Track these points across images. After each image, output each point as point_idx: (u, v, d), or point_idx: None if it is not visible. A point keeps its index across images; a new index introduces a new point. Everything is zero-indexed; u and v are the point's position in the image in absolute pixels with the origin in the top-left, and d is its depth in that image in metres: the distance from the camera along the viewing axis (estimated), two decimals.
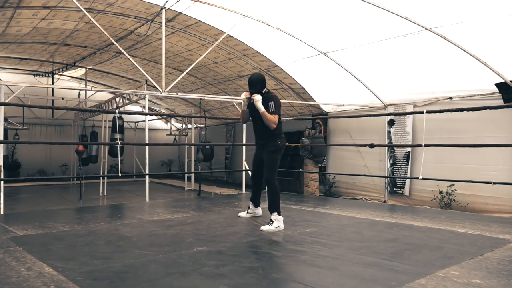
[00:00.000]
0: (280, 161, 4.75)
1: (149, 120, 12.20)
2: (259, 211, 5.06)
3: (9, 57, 12.87)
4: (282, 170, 11.16)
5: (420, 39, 7.22)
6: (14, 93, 8.56)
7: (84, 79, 14.63)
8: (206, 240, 3.77)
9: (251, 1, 7.66)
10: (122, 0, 8.11)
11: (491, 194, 7.40)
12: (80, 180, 10.94)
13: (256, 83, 4.64)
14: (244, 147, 9.13)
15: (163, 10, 7.91)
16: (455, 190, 7.91)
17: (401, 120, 9.19)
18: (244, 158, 8.92)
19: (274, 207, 4.43)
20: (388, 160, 9.39)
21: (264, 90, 4.68)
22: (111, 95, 12.89)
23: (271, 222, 4.35)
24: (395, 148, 9.22)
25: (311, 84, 10.57)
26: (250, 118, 4.87)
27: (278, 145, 4.63)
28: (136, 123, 17.91)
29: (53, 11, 8.51)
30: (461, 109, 5.61)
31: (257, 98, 4.51)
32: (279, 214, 4.42)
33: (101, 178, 11.80)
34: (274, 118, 4.50)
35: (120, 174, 6.52)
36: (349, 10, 7.23)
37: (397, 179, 9.08)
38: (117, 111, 8.52)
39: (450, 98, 8.08)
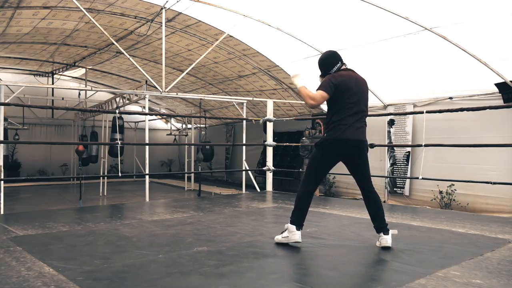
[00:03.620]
0: (321, 161, 3.75)
1: (149, 120, 12.21)
2: (382, 239, 3.52)
3: (9, 57, 12.87)
4: (282, 170, 11.23)
5: (420, 39, 7.22)
6: (14, 93, 8.56)
7: (84, 79, 14.64)
8: (206, 240, 3.77)
9: (251, 1, 7.66)
10: (122, 0, 8.11)
11: (491, 194, 7.40)
12: (80, 180, 10.95)
13: (319, 67, 3.80)
14: (244, 147, 9.13)
15: (163, 10, 7.91)
16: (455, 190, 7.90)
17: (401, 120, 9.19)
18: (244, 158, 8.92)
19: (291, 215, 3.69)
20: (388, 160, 9.39)
21: (332, 70, 3.67)
22: (111, 95, 12.89)
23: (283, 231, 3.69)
24: (395, 148, 9.22)
25: (311, 84, 10.56)
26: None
27: (322, 138, 3.68)
28: (136, 123, 17.92)
29: (53, 11, 8.51)
30: (461, 109, 5.61)
31: (292, 73, 3.80)
32: (292, 223, 3.60)
33: (101, 178, 11.80)
34: (309, 92, 3.57)
35: (120, 174, 6.52)
36: (349, 10, 7.23)
37: (397, 179, 9.08)
38: (117, 111, 8.53)
39: (450, 98, 8.08)
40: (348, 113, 3.55)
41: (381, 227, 3.58)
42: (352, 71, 3.72)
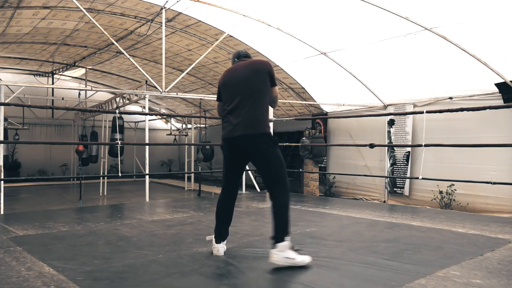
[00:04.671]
0: (224, 163, 3.32)
1: (149, 120, 12.20)
2: (270, 253, 2.99)
3: (9, 57, 12.87)
4: None
5: (420, 39, 7.22)
6: (14, 93, 8.57)
7: (84, 79, 14.63)
8: (206, 240, 3.77)
9: (251, 1, 7.66)
10: (122, 0, 8.11)
11: (491, 194, 7.40)
12: (80, 180, 10.94)
13: None
14: None
15: (163, 10, 7.91)
16: (455, 190, 7.90)
17: (401, 120, 9.19)
18: None
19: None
20: (388, 160, 9.39)
21: None
22: (111, 95, 12.89)
23: None
24: (395, 148, 9.22)
25: (311, 84, 10.58)
26: None
27: None
28: (136, 123, 17.92)
29: (53, 11, 8.51)
30: (461, 109, 5.60)
31: None
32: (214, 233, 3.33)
33: (101, 178, 11.80)
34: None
35: (120, 174, 6.52)
36: (349, 10, 7.23)
37: (397, 179, 9.08)
38: (117, 111, 8.53)
39: (450, 98, 8.08)
40: (227, 110, 3.23)
41: (273, 238, 2.96)
42: (244, 60, 3.36)
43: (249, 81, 3.16)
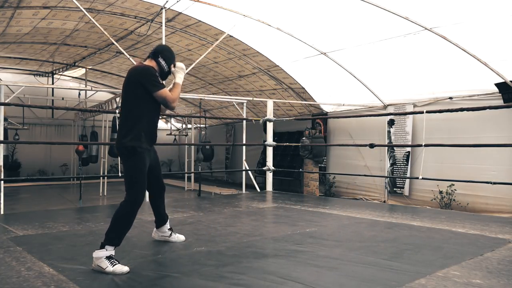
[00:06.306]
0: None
1: None
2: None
3: (9, 57, 12.87)
4: (282, 170, 11.24)
5: (420, 39, 7.22)
6: (14, 93, 8.55)
7: (84, 79, 14.63)
8: (206, 240, 3.77)
9: (251, 1, 7.66)
10: (122, 0, 8.11)
11: (491, 194, 7.40)
12: (80, 180, 10.95)
13: None
14: (244, 147, 9.13)
15: (163, 10, 7.91)
16: (455, 190, 7.91)
17: (401, 120, 9.19)
18: (244, 158, 8.92)
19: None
20: (388, 160, 9.39)
21: None
22: (111, 95, 12.89)
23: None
24: (395, 148, 9.22)
25: (311, 84, 10.58)
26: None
27: None
28: None
29: (53, 11, 8.51)
30: (461, 109, 5.61)
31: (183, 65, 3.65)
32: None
33: (101, 178, 11.80)
34: None
35: (120, 174, 6.51)
36: (349, 10, 7.23)
37: (397, 179, 9.08)
38: (117, 111, 8.52)
39: (450, 98, 8.08)
40: None
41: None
42: (141, 63, 3.38)
43: (123, 91, 3.25)
